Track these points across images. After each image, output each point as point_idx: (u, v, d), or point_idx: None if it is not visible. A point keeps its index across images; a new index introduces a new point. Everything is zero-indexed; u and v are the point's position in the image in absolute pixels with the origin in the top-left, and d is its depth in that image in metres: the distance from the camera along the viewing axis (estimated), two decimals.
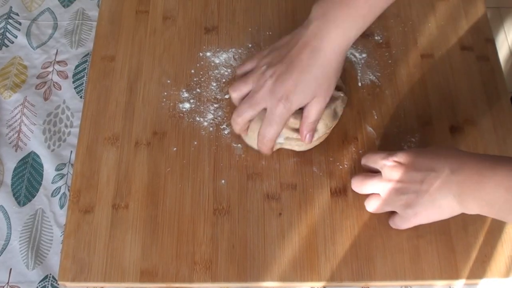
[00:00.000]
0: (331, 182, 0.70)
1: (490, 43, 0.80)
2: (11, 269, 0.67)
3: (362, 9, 0.63)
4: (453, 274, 0.65)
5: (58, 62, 0.81)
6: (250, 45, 0.80)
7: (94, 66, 0.78)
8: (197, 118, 0.74)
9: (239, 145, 0.72)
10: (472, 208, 0.58)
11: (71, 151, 0.74)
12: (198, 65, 0.78)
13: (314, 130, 0.67)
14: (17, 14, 0.86)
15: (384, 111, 0.75)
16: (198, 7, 0.83)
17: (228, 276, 0.65)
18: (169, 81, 0.77)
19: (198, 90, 0.76)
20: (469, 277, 0.65)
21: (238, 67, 0.72)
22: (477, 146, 0.72)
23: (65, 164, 0.73)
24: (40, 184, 0.72)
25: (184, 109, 0.75)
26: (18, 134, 0.75)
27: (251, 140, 0.70)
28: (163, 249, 0.66)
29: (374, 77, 0.77)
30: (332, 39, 0.63)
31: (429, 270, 0.65)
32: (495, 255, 0.65)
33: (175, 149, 0.72)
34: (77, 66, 0.81)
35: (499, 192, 0.55)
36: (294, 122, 0.68)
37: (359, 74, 0.78)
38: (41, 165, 0.73)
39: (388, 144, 0.72)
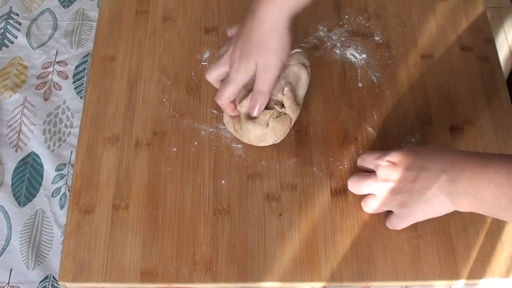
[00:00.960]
0: (331, 183, 0.70)
1: (490, 43, 0.80)
2: (11, 269, 0.67)
3: None
4: (453, 274, 0.65)
5: (58, 62, 0.81)
6: None
7: (94, 67, 0.78)
8: (197, 118, 0.74)
9: (239, 145, 0.72)
10: (464, 206, 0.59)
11: (71, 152, 0.74)
12: (198, 65, 0.78)
13: (262, 103, 0.69)
14: (17, 15, 0.86)
15: (384, 112, 0.75)
16: (198, 8, 0.83)
17: (229, 277, 0.65)
18: (169, 82, 0.77)
19: (198, 90, 0.76)
20: (469, 277, 0.65)
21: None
22: (477, 146, 0.72)
23: (65, 165, 0.73)
24: (40, 184, 0.72)
25: (184, 109, 0.75)
26: (18, 135, 0.75)
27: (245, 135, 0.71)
28: (163, 249, 0.66)
29: (374, 78, 0.77)
30: (269, 8, 0.66)
31: (429, 271, 0.65)
32: (495, 255, 0.65)
33: (175, 149, 0.72)
34: (77, 67, 0.81)
35: (490, 189, 0.56)
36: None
37: (359, 75, 0.78)
38: (41, 166, 0.73)
39: (388, 144, 0.72)
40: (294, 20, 0.82)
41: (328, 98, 0.75)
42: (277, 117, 0.70)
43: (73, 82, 0.80)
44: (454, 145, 0.72)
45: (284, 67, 0.71)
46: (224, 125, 0.73)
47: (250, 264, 0.65)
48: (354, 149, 0.72)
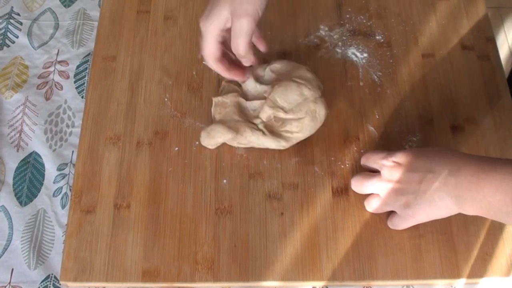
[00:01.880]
0: (333, 182, 0.70)
1: (491, 42, 0.80)
2: (13, 269, 0.67)
3: None
4: (454, 273, 0.65)
5: (60, 62, 0.81)
6: None
7: (95, 66, 0.78)
8: (199, 118, 0.74)
9: (241, 145, 0.72)
10: (470, 210, 0.59)
11: (73, 151, 0.74)
12: (199, 64, 0.78)
13: (244, 52, 0.64)
14: (18, 14, 0.86)
15: (385, 111, 0.75)
16: (199, 7, 0.83)
17: (230, 276, 0.65)
18: (170, 81, 0.77)
19: (199, 89, 0.76)
20: (471, 276, 0.65)
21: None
22: (478, 146, 0.72)
23: (66, 164, 0.73)
24: (41, 184, 0.72)
25: (186, 109, 0.75)
26: (20, 134, 0.75)
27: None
28: (165, 249, 0.66)
29: (375, 77, 0.77)
30: None
31: (430, 269, 0.65)
32: (497, 254, 0.65)
33: (176, 148, 0.72)
34: (78, 66, 0.81)
35: (497, 195, 0.55)
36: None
37: (361, 74, 0.78)
38: (43, 165, 0.73)
39: (389, 144, 0.72)
40: (294, 19, 0.82)
41: (329, 97, 0.75)
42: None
43: (74, 82, 0.80)
44: (455, 144, 0.72)
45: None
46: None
47: (252, 263, 0.65)
48: (355, 148, 0.72)
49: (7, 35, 0.84)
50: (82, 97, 0.78)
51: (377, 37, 0.81)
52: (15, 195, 0.71)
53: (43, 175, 0.73)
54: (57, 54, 0.82)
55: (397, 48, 0.80)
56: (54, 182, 0.72)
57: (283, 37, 0.81)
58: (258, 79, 0.73)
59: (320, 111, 0.71)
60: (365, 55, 0.79)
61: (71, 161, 0.74)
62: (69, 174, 0.73)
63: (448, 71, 0.78)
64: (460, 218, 0.67)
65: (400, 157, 0.63)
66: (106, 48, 0.80)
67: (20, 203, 0.71)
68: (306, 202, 0.69)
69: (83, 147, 0.72)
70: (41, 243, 0.68)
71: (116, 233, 0.67)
